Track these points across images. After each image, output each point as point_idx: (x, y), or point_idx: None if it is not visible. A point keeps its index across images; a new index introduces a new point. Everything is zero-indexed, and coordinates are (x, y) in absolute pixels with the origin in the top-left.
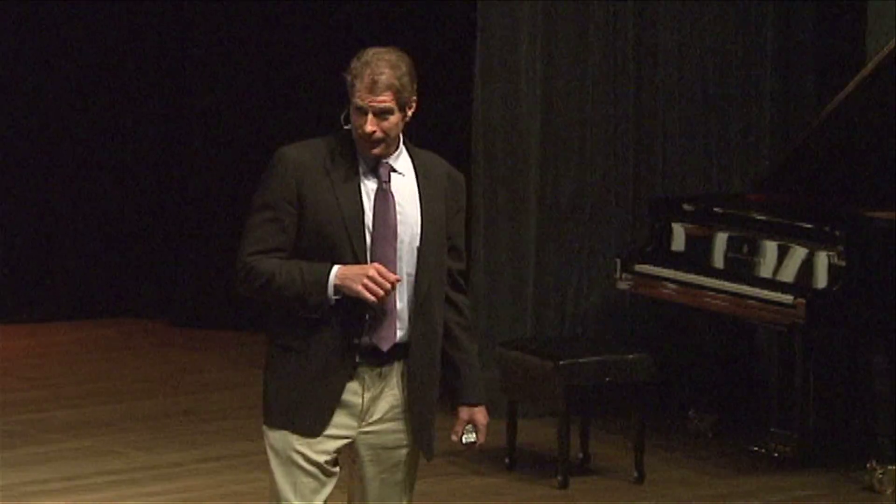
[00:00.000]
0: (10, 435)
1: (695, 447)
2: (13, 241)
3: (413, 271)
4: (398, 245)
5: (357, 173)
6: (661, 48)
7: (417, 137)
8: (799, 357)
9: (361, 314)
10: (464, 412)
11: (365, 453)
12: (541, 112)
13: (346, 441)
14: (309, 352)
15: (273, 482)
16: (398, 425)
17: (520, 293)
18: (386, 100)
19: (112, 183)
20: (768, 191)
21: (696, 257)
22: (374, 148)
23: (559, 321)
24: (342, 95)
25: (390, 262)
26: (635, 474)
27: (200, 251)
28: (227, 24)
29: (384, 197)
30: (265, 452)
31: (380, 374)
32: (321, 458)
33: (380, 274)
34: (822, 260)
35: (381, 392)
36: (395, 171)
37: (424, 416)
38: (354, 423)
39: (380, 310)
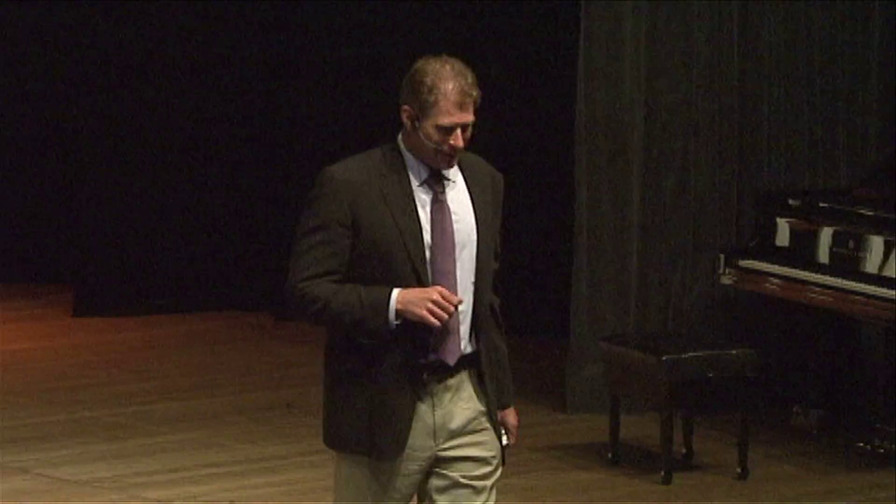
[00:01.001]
0: (117, 427)
1: (799, 443)
2: (118, 236)
3: (473, 279)
4: (457, 255)
5: (410, 187)
6: (766, 43)
7: (523, 137)
8: None
9: (424, 334)
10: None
11: (450, 472)
12: (644, 108)
13: (424, 463)
14: (374, 375)
15: None
16: (480, 437)
17: (623, 288)
18: (472, 114)
19: (218, 178)
20: (875, 185)
21: (801, 252)
22: (452, 162)
23: (662, 316)
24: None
25: (450, 274)
26: (739, 470)
27: None
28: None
29: (441, 208)
30: None
31: (446, 387)
32: (401, 483)
33: (443, 297)
34: None
35: (454, 407)
36: (447, 179)
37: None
38: (431, 443)
39: (443, 328)
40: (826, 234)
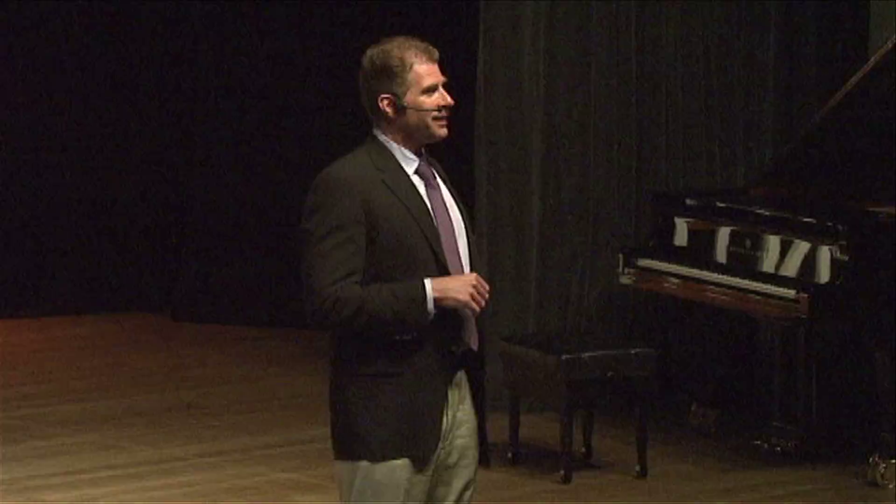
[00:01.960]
0: (12, 429)
1: (697, 442)
2: (15, 236)
3: (469, 264)
4: (459, 240)
5: (407, 175)
6: (664, 44)
7: None
8: (801, 351)
9: (457, 323)
10: None
11: (447, 474)
12: (543, 108)
13: (433, 464)
14: (408, 373)
15: None
16: (471, 440)
17: (522, 288)
18: (443, 74)
19: (114, 178)
20: (771, 185)
21: (699, 252)
22: (445, 126)
23: (562, 316)
24: (339, 95)
25: (459, 256)
26: (638, 469)
27: (202, 246)
28: (228, 22)
29: (436, 195)
30: (267, 447)
31: (455, 384)
32: (425, 485)
33: (479, 282)
34: (824, 254)
35: (460, 405)
36: (434, 168)
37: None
38: (440, 444)
39: (469, 316)
40: (723, 234)
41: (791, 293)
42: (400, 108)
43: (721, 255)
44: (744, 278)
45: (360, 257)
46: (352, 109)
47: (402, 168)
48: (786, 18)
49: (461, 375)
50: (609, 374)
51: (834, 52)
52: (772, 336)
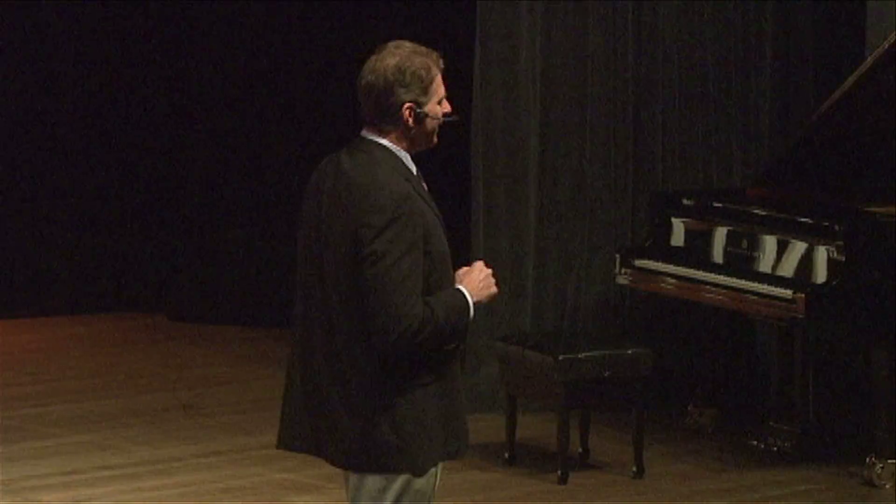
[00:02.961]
0: (9, 430)
1: (694, 442)
2: (11, 237)
3: None
4: None
5: (420, 184)
6: (660, 44)
7: None
8: (798, 352)
9: (469, 321)
10: None
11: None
12: (540, 107)
13: None
14: (447, 378)
15: None
16: None
17: (519, 288)
18: None
19: (110, 177)
20: (768, 186)
21: (696, 252)
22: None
23: (558, 316)
24: (338, 95)
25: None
26: (634, 469)
27: (198, 245)
28: (227, 20)
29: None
30: (264, 448)
31: None
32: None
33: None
34: (821, 255)
35: None
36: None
37: None
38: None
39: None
40: (720, 234)
41: (788, 293)
42: (421, 117)
43: (718, 256)
44: (741, 278)
45: (421, 278)
46: (349, 110)
47: (414, 175)
48: (782, 18)
49: None
50: (606, 374)
51: (831, 53)
52: (768, 336)
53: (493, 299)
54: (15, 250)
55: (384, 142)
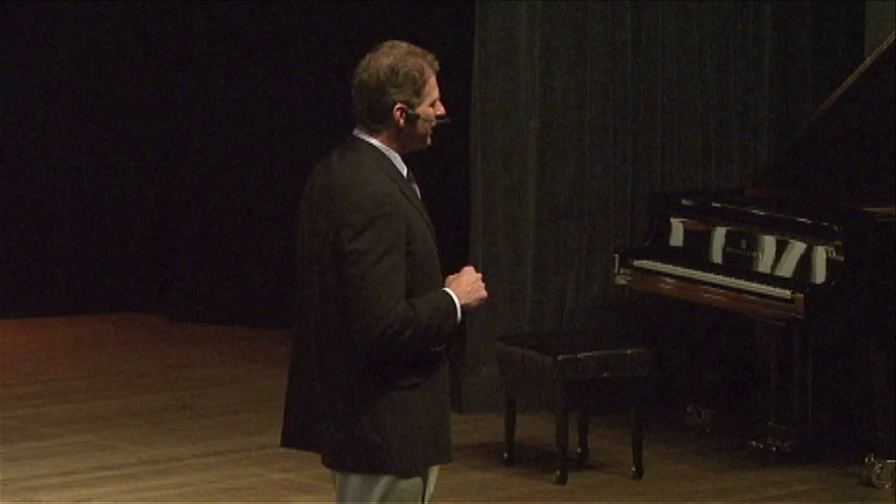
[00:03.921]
0: (8, 430)
1: (693, 442)
2: (10, 237)
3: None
4: None
5: (409, 185)
6: (660, 44)
7: None
8: (797, 352)
9: (457, 324)
10: None
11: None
12: (539, 107)
13: None
14: (435, 382)
15: None
16: None
17: (518, 288)
18: None
19: (109, 177)
20: (767, 186)
21: (695, 252)
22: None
23: (557, 316)
24: (333, 95)
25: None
26: (634, 469)
27: (197, 246)
28: (227, 24)
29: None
30: (263, 448)
31: None
32: None
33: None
34: (820, 255)
35: None
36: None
37: None
38: None
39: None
40: (719, 234)
41: (787, 293)
42: (412, 118)
43: (717, 256)
44: (739, 279)
45: (404, 277)
46: (344, 110)
47: (401, 175)
48: (782, 18)
49: None
50: (605, 374)
51: (830, 53)
52: (767, 336)
53: (482, 303)
54: (13, 251)
55: (374, 141)
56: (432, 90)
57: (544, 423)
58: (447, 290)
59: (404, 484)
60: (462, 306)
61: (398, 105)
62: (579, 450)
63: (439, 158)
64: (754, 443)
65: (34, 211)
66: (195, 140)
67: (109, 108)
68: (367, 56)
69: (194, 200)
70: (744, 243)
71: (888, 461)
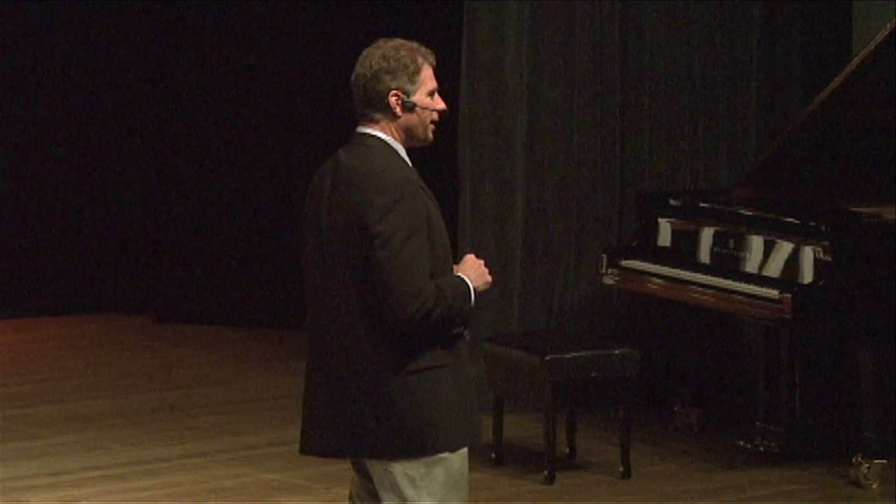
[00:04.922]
0: None
1: (680, 442)
2: None
3: None
4: None
5: (417, 174)
6: (647, 44)
7: None
8: (784, 352)
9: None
10: None
11: None
12: (527, 108)
13: None
14: (458, 363)
15: None
16: None
17: (506, 288)
18: None
19: (97, 178)
20: (754, 186)
21: (682, 252)
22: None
23: (545, 316)
24: (324, 96)
25: None
26: (621, 469)
27: (184, 246)
28: (220, 25)
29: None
30: (251, 448)
31: None
32: None
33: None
34: (807, 255)
35: None
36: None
37: None
38: None
39: None
40: (707, 235)
41: (774, 293)
42: (408, 106)
43: (704, 256)
44: (727, 279)
45: (428, 259)
46: (339, 110)
47: (410, 166)
48: (769, 18)
49: None
50: (592, 374)
51: (817, 53)
52: (755, 336)
53: (489, 287)
54: (1, 251)
55: (378, 133)
56: (428, 80)
57: (532, 422)
58: (460, 274)
59: (458, 462)
60: (475, 288)
61: (393, 91)
62: (567, 450)
63: (427, 156)
64: (742, 443)
65: (21, 211)
66: (182, 141)
67: (97, 111)
68: (363, 52)
69: (181, 201)
70: (731, 243)
71: (875, 461)
